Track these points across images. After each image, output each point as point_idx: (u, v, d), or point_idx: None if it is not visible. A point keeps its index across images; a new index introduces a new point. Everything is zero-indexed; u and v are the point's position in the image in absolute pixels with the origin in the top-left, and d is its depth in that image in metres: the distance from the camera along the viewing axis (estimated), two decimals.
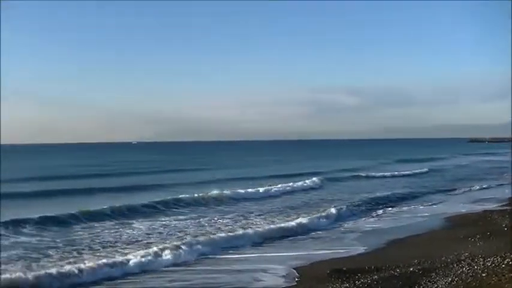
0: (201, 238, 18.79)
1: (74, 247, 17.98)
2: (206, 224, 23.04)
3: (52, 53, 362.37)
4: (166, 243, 18.15)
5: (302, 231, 21.06)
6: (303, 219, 22.85)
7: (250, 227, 21.77)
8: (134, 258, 15.64)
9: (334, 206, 26.64)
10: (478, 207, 26.90)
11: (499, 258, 13.55)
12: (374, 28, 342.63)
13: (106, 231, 21.30)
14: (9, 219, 21.75)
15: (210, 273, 14.85)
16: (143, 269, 15.09)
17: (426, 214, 26.00)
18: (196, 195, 31.32)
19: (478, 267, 13.00)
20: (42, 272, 14.00)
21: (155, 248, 16.87)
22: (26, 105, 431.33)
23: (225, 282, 13.79)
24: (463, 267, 13.28)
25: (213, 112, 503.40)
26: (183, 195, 30.76)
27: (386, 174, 53.30)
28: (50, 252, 17.21)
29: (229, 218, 24.74)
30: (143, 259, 15.62)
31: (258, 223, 23.19)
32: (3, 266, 14.95)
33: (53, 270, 14.08)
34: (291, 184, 39.22)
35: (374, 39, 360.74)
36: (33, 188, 37.40)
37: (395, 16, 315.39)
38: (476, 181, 42.98)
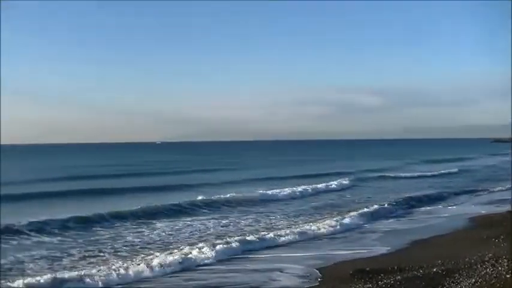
0: (227, 239, 18.97)
1: (96, 247, 18.43)
2: (231, 224, 23.34)
3: (67, 52, 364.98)
4: (188, 244, 18.55)
5: (330, 232, 21.13)
6: (331, 221, 23.00)
7: (273, 229, 22.02)
8: (156, 259, 15.91)
9: (366, 207, 26.95)
10: (503, 208, 26.76)
11: None
12: (396, 28, 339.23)
13: (128, 231, 21.60)
14: (53, 218, 22.42)
15: (226, 273, 15.12)
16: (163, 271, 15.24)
17: (450, 214, 26.10)
18: (222, 196, 31.55)
19: (502, 268, 12.98)
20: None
21: (175, 250, 17.28)
22: (42, 105, 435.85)
23: (240, 282, 13.99)
24: (487, 268, 13.26)
25: (237, 112, 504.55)
26: (210, 196, 31.02)
27: (414, 174, 53.45)
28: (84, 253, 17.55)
29: (252, 218, 25.00)
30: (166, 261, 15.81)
31: (282, 224, 23.40)
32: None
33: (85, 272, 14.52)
34: (319, 185, 39.38)
35: (396, 39, 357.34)
36: (60, 188, 37.98)
37: (415, 15, 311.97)
38: (503, 181, 42.65)
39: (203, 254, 16.78)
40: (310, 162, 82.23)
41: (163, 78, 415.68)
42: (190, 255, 16.53)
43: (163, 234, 21.06)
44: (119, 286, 13.90)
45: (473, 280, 12.25)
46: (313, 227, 21.78)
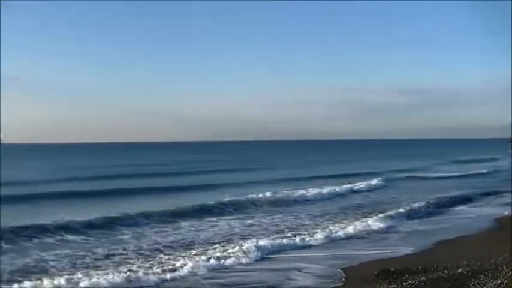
0: (250, 240, 19.02)
1: (119, 245, 18.64)
2: (255, 225, 23.46)
3: (82, 52, 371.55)
4: (209, 244, 18.86)
5: (355, 233, 21.11)
6: (357, 222, 23.11)
7: (297, 229, 22.13)
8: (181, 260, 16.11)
9: (393, 208, 27.07)
10: None
11: None
12: (422, 27, 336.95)
13: (152, 231, 21.82)
14: (77, 218, 22.69)
15: (242, 272, 15.29)
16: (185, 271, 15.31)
17: (476, 215, 26.00)
18: (249, 196, 31.66)
19: None
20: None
21: (196, 251, 17.52)
22: (54, 105, 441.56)
23: (255, 281, 14.12)
24: None
25: (252, 111, 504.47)
26: (236, 197, 31.00)
27: (444, 175, 53.39)
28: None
29: (278, 218, 25.13)
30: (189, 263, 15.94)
31: (307, 225, 23.54)
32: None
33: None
34: (347, 185, 39.44)
35: (421, 38, 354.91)
36: (81, 188, 38.32)
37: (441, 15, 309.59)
38: None
39: (224, 254, 16.95)
40: (334, 162, 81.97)
41: (198, 78, 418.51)
42: (211, 256, 16.65)
43: (187, 234, 21.24)
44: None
45: (499, 281, 12.17)
46: (337, 228, 21.83)
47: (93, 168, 64.60)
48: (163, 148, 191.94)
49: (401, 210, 26.52)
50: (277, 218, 25.37)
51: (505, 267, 13.50)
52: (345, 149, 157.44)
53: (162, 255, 17.02)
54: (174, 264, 15.55)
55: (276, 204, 30.41)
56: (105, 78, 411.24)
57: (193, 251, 17.52)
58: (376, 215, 25.18)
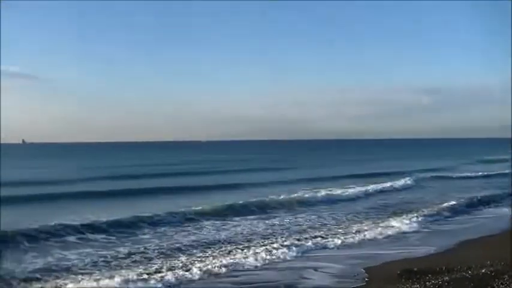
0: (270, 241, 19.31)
1: (141, 245, 18.78)
2: (276, 224, 23.55)
3: (117, 52, 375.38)
4: (229, 244, 19.05)
5: (380, 233, 21.00)
6: (384, 222, 23.17)
7: (321, 229, 22.25)
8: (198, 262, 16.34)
9: (422, 208, 27.12)
10: None
11: None
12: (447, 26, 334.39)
13: (176, 232, 21.89)
14: (102, 218, 23.01)
15: (257, 270, 15.43)
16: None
17: (501, 215, 25.95)
18: (275, 197, 31.63)
19: None
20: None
21: (215, 251, 17.70)
22: (91, 105, 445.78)
23: (269, 280, 14.28)
24: None
25: (283, 111, 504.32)
26: (262, 197, 31.08)
27: (471, 174, 53.15)
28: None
29: (302, 219, 25.13)
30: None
31: (331, 225, 23.63)
32: None
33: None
34: (379, 185, 39.55)
35: (447, 38, 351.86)
36: (109, 188, 38.63)
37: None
38: None
39: (243, 253, 17.13)
40: (358, 162, 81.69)
41: (228, 78, 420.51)
42: (229, 256, 16.84)
43: (208, 233, 21.38)
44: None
45: None
46: (361, 228, 21.89)
47: (112, 168, 65.23)
48: (176, 147, 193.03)
49: (427, 210, 26.50)
50: (300, 217, 25.41)
51: None
52: (366, 149, 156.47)
53: (181, 255, 17.18)
54: (192, 264, 15.71)
55: (300, 204, 30.31)
56: (116, 78, 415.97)
57: (212, 251, 17.70)
58: (402, 215, 25.25)
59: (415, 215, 24.97)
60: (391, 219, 24.27)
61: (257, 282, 14.21)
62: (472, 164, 73.56)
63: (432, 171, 54.89)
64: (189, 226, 22.94)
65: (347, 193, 34.77)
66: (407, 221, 23.34)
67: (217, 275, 14.83)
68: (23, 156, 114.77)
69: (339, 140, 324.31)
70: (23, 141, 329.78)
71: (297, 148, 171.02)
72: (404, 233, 21.25)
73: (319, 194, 33.68)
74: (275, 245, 18.15)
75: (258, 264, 15.96)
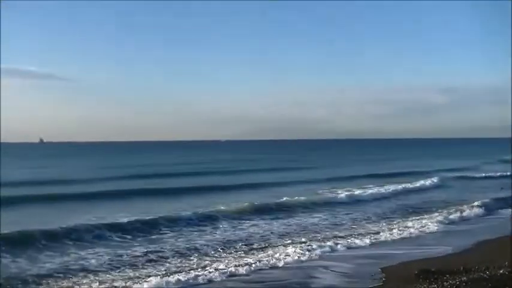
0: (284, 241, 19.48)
1: (156, 244, 19.01)
2: (293, 224, 23.63)
3: (132, 52, 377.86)
4: (245, 244, 19.27)
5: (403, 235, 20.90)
6: (407, 223, 23.25)
7: (336, 229, 22.42)
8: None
9: (443, 208, 27.32)
10: None
11: None
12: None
13: (192, 231, 22.09)
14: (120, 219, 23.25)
15: (273, 269, 15.58)
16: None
17: None
18: (305, 196, 31.87)
19: None
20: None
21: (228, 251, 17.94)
22: (108, 104, 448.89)
23: (285, 279, 14.43)
24: None
25: (300, 110, 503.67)
26: (288, 197, 30.97)
27: (492, 174, 52.91)
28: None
29: (318, 218, 25.17)
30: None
31: (347, 225, 23.75)
32: None
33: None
34: (404, 185, 39.66)
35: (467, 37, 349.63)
36: (121, 187, 38.62)
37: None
38: None
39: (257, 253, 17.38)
40: (378, 161, 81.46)
41: (247, 78, 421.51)
42: (245, 255, 17.08)
43: (225, 233, 21.49)
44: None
45: None
46: (380, 228, 22.06)
47: (128, 168, 65.65)
48: (192, 147, 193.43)
49: (447, 210, 26.71)
50: (317, 217, 25.45)
51: None
52: (385, 148, 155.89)
53: (197, 255, 17.37)
54: (207, 264, 15.91)
55: (319, 204, 30.24)
56: (131, 77, 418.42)
57: (228, 251, 17.93)
58: (422, 215, 25.47)
59: (435, 215, 25.08)
60: (410, 219, 24.45)
61: (271, 281, 14.34)
62: (493, 163, 73.02)
63: (454, 171, 54.82)
64: (206, 226, 23.06)
65: (367, 193, 34.79)
66: (427, 221, 23.39)
67: (232, 275, 14.90)
68: (40, 155, 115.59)
69: (346, 139, 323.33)
70: (41, 140, 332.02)
71: (305, 148, 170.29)
72: (423, 233, 21.24)
73: (339, 195, 33.77)
74: (291, 245, 18.30)
75: (274, 264, 16.02)
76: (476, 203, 28.50)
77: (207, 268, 15.41)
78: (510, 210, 27.53)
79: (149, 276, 14.59)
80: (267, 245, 18.93)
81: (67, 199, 31.56)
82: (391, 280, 13.92)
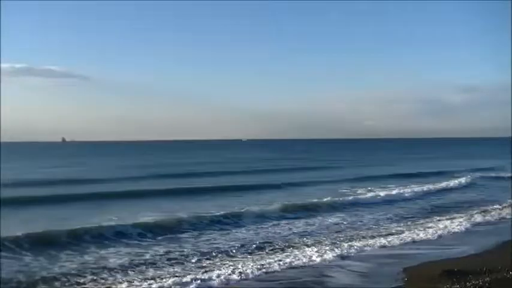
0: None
1: (177, 244, 19.14)
2: (316, 224, 23.61)
3: (155, 52, 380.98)
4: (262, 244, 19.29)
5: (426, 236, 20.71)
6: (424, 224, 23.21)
7: (359, 229, 22.45)
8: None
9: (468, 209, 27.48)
10: None
11: None
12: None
13: (213, 231, 22.18)
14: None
15: (293, 269, 15.58)
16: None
17: None
18: (330, 195, 32.00)
19: None
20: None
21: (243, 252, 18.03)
22: (131, 103, 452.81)
23: (295, 277, 14.60)
24: None
25: (325, 109, 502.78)
26: (314, 199, 30.90)
27: None
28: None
29: (339, 217, 25.14)
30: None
31: (369, 225, 23.78)
32: None
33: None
34: (435, 185, 39.64)
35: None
36: (146, 187, 38.76)
37: None
38: None
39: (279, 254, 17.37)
40: (409, 160, 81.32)
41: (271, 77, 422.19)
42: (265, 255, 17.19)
43: (247, 233, 21.53)
44: None
45: None
46: (404, 229, 21.97)
47: (153, 167, 66.13)
48: (218, 146, 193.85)
49: (474, 210, 26.67)
50: (342, 217, 25.42)
51: None
52: (409, 148, 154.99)
53: (217, 255, 17.42)
54: (225, 264, 16.03)
55: (347, 204, 30.11)
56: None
57: (248, 251, 18.03)
58: (446, 215, 25.47)
59: (460, 215, 25.02)
60: (434, 219, 24.45)
61: (288, 280, 14.45)
62: None
63: (481, 171, 54.35)
64: (228, 226, 23.13)
65: (391, 193, 34.69)
66: (451, 222, 23.39)
67: (250, 275, 14.93)
68: (62, 155, 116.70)
69: (375, 139, 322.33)
70: (63, 139, 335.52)
71: (329, 147, 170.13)
72: (446, 233, 21.15)
73: (363, 195, 33.83)
74: (311, 245, 18.41)
75: (293, 264, 16.04)
76: (503, 204, 28.35)
77: (225, 268, 15.47)
78: None
79: (169, 276, 14.71)
80: (287, 244, 18.97)
81: (88, 199, 31.75)
82: (413, 280, 13.93)
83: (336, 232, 21.49)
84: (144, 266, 15.94)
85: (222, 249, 18.25)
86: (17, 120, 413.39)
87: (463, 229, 21.98)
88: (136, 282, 14.10)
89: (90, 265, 15.98)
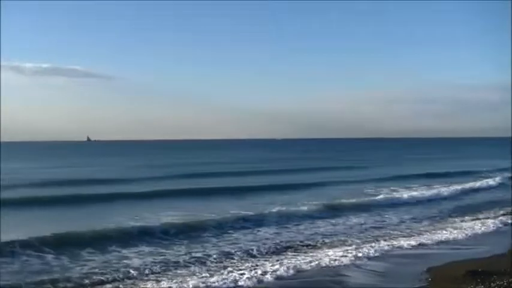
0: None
1: (199, 244, 19.24)
2: (341, 225, 23.65)
3: (180, 52, 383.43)
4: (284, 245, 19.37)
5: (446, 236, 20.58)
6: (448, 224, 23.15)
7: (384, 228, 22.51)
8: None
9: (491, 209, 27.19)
10: None
11: None
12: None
13: (236, 230, 22.29)
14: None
15: (313, 270, 15.57)
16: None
17: None
18: (357, 196, 32.17)
19: None
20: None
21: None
22: (155, 103, 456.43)
23: (315, 276, 14.69)
24: None
25: (354, 109, 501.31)
26: (341, 199, 30.91)
27: None
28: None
29: (365, 218, 25.19)
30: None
31: (392, 225, 23.81)
32: None
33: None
34: (470, 184, 39.74)
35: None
36: (169, 187, 38.75)
37: None
38: None
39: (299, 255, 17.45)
40: (436, 160, 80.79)
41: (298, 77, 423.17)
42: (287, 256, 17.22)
43: (269, 234, 21.46)
44: None
45: None
46: (430, 230, 21.93)
47: (182, 166, 66.58)
48: (248, 146, 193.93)
49: (503, 211, 26.47)
50: (365, 217, 25.38)
51: None
52: (435, 147, 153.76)
53: (237, 256, 17.46)
54: (246, 265, 16.05)
55: (368, 204, 29.91)
56: (181, 76, 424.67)
57: (269, 252, 18.09)
58: (474, 215, 25.45)
59: (486, 215, 24.86)
60: (459, 219, 24.45)
61: (307, 279, 14.57)
62: None
63: (508, 171, 53.64)
64: (251, 226, 23.04)
65: (417, 193, 34.54)
66: (477, 222, 23.31)
67: (268, 275, 14.89)
68: (87, 154, 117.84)
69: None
70: (88, 138, 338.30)
71: (356, 147, 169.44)
72: (471, 233, 21.02)
73: (389, 195, 33.75)
74: (335, 246, 18.50)
75: (314, 264, 16.01)
76: None
77: (249, 268, 15.53)
78: None
79: (191, 275, 14.81)
80: (310, 244, 19.09)
81: (112, 199, 31.95)
82: (437, 280, 13.91)
83: (360, 232, 21.52)
84: (168, 266, 16.03)
85: (244, 249, 18.32)
86: (42, 119, 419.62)
87: (490, 229, 21.84)
88: (160, 282, 14.19)
89: (112, 265, 16.12)
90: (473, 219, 24.36)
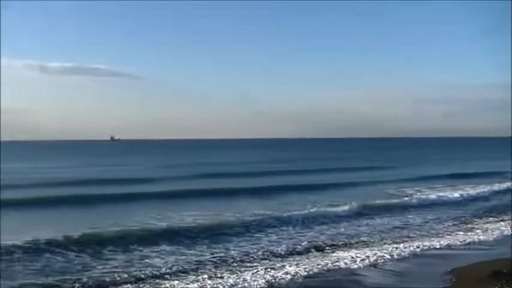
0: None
1: (222, 245, 19.35)
2: (364, 225, 23.63)
3: (202, 51, 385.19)
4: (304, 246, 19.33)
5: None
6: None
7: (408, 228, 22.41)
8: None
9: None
10: None
11: None
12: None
13: (259, 231, 22.24)
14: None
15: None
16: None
17: None
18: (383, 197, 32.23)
19: None
20: None
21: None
22: (177, 102, 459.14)
23: (332, 275, 14.79)
24: None
25: (372, 109, 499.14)
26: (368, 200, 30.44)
27: None
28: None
29: (390, 218, 25.18)
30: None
31: (414, 225, 23.69)
32: None
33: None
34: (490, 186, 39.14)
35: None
36: (194, 187, 38.91)
37: None
38: None
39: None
40: (462, 160, 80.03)
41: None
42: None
43: (291, 235, 21.43)
44: None
45: None
46: (454, 231, 21.84)
47: (204, 165, 66.96)
48: (271, 145, 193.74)
49: None
50: (387, 218, 25.31)
51: None
52: (461, 147, 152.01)
53: (259, 256, 17.45)
54: (265, 265, 16.04)
55: (392, 205, 29.63)
56: (205, 77, 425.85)
57: (287, 253, 18.03)
58: (498, 217, 25.24)
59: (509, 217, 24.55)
60: (483, 221, 24.33)
61: (326, 279, 14.59)
62: None
63: None
64: (273, 227, 22.92)
65: (441, 194, 34.22)
66: (500, 224, 23.23)
67: (285, 276, 14.92)
68: (110, 153, 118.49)
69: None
70: (112, 138, 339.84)
71: (379, 147, 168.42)
72: (494, 235, 20.90)
73: (413, 195, 33.64)
74: (359, 246, 18.50)
75: (335, 265, 16.03)
76: None
77: (266, 268, 15.56)
78: None
79: (213, 276, 14.86)
80: (332, 244, 19.11)
81: (135, 198, 32.25)
82: (462, 281, 13.90)
83: (383, 233, 21.46)
84: (190, 265, 16.10)
85: (266, 249, 18.35)
86: (66, 119, 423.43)
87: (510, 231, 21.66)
88: (181, 282, 14.27)
89: (134, 264, 16.28)
90: (497, 221, 24.23)
